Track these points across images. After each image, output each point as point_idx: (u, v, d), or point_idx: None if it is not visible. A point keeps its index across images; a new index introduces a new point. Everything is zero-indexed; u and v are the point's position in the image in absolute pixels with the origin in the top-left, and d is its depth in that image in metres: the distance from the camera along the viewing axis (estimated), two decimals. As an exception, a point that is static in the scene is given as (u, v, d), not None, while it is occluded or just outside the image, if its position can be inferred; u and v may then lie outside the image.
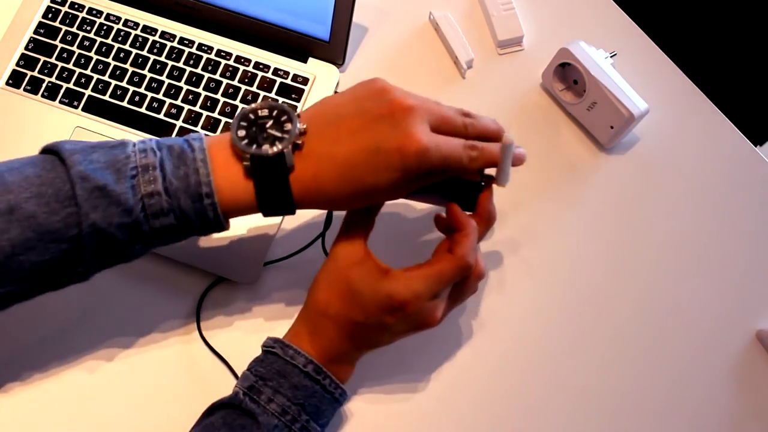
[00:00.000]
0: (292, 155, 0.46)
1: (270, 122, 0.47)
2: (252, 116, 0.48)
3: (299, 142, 0.47)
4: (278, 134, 0.47)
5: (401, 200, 0.54)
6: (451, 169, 0.48)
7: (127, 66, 0.67)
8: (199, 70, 0.67)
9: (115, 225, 0.45)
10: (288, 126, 0.47)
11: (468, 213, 0.52)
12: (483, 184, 0.52)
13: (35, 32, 0.68)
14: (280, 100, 0.67)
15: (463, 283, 0.52)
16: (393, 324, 0.50)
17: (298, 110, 0.63)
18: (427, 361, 0.62)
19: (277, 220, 0.63)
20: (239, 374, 0.53)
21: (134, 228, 0.46)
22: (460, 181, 0.52)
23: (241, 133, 0.47)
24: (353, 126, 0.46)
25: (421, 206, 0.65)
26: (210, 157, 0.46)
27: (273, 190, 0.47)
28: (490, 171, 0.52)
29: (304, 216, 0.65)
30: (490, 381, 0.61)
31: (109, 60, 0.67)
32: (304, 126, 0.47)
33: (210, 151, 0.47)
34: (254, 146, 0.46)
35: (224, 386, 0.54)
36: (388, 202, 0.53)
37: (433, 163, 0.46)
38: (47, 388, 0.58)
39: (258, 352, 0.53)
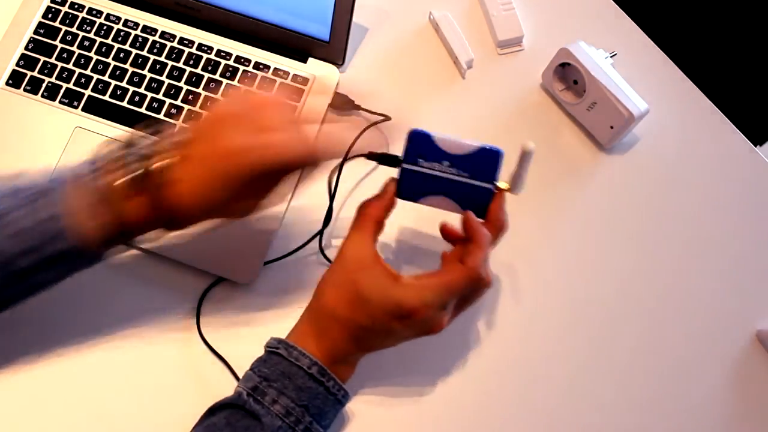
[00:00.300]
0: (166, 173, 0.46)
1: (140, 145, 0.47)
2: (126, 143, 0.48)
3: (172, 161, 0.47)
4: (146, 153, 0.47)
5: (411, 204, 0.53)
6: (296, 165, 0.48)
7: (127, 66, 0.67)
8: (199, 70, 0.67)
9: None
10: (156, 146, 0.47)
11: (479, 220, 0.52)
12: (495, 191, 0.52)
13: (35, 32, 0.68)
14: (280, 100, 0.67)
15: (470, 292, 0.52)
16: (399, 330, 0.50)
17: (298, 109, 0.63)
18: (430, 363, 0.62)
19: (278, 216, 0.63)
20: (239, 374, 0.53)
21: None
22: (471, 186, 0.52)
23: (115, 164, 0.47)
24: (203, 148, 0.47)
25: (430, 210, 0.65)
26: (70, 197, 0.46)
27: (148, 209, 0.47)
28: (505, 177, 0.52)
29: (303, 216, 0.65)
30: (495, 384, 0.61)
31: (109, 60, 0.67)
32: (175, 142, 0.47)
33: (70, 193, 0.47)
34: (124, 170, 0.46)
35: (224, 386, 0.54)
36: (399, 206, 0.53)
37: (266, 164, 0.46)
38: (46, 387, 0.58)
39: (258, 351, 0.53)
